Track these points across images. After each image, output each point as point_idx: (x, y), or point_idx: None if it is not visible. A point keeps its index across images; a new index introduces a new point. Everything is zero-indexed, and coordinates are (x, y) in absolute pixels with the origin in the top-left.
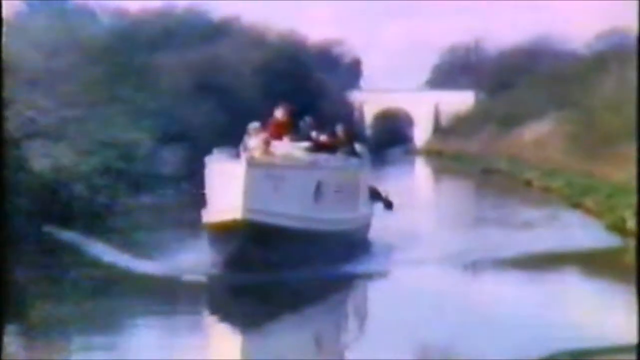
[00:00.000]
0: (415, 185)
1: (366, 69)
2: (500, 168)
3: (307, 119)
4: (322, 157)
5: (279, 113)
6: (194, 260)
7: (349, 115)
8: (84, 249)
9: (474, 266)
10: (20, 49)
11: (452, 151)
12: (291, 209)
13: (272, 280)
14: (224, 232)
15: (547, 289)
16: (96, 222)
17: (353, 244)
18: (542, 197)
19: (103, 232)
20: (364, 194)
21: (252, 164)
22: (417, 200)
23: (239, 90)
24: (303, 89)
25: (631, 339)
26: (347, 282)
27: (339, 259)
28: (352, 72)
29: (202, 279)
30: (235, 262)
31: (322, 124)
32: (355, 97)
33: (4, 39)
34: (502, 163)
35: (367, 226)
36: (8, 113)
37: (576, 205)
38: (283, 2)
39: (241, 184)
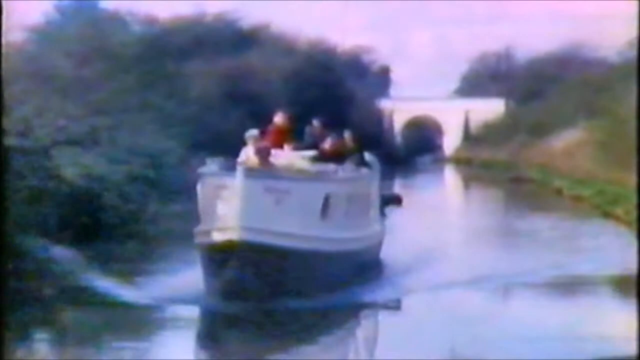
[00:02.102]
0: (443, 195)
1: (396, 77)
2: (530, 177)
3: (315, 123)
4: (330, 167)
5: (279, 118)
6: (186, 285)
7: (378, 124)
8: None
9: (504, 291)
10: (52, 58)
11: (481, 159)
12: (295, 227)
13: (272, 310)
14: (218, 254)
15: (580, 311)
16: (125, 230)
17: (364, 266)
18: (572, 206)
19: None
20: (375, 209)
21: (249, 175)
22: (443, 212)
23: (269, 98)
24: (333, 97)
25: None
26: (356, 312)
27: (348, 283)
28: (381, 80)
29: (193, 309)
30: (231, 289)
31: (331, 130)
32: (385, 105)
33: (35, 47)
34: (532, 171)
35: (379, 244)
36: (40, 122)
37: (606, 214)
38: (313, 10)
39: (237, 199)
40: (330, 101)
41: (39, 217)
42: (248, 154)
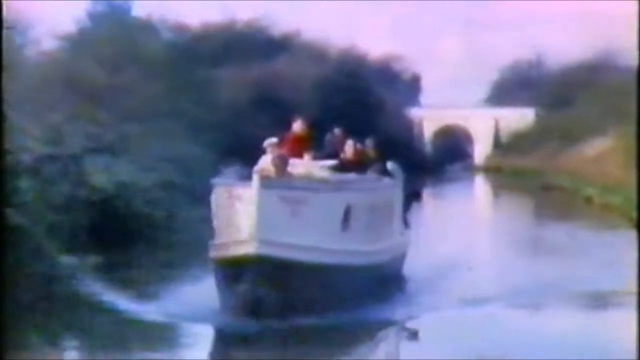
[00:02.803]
0: (472, 204)
1: (426, 85)
2: (560, 184)
3: (336, 131)
4: (350, 177)
5: (297, 126)
6: (203, 299)
7: (408, 132)
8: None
9: (535, 308)
10: (83, 65)
11: (511, 167)
12: (313, 240)
13: (289, 327)
14: (232, 269)
15: (611, 327)
16: (155, 237)
17: (386, 280)
18: (602, 215)
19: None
20: (398, 219)
21: (265, 185)
22: (472, 221)
23: (298, 105)
24: (362, 105)
25: None
26: (376, 330)
27: (369, 299)
28: (411, 88)
29: (207, 326)
30: (245, 306)
31: (354, 138)
32: (415, 113)
33: (67, 55)
34: (562, 179)
35: (402, 257)
36: (70, 128)
37: (633, 222)
38: (343, 17)
39: (253, 211)
40: (360, 109)
41: (70, 223)
42: (265, 163)
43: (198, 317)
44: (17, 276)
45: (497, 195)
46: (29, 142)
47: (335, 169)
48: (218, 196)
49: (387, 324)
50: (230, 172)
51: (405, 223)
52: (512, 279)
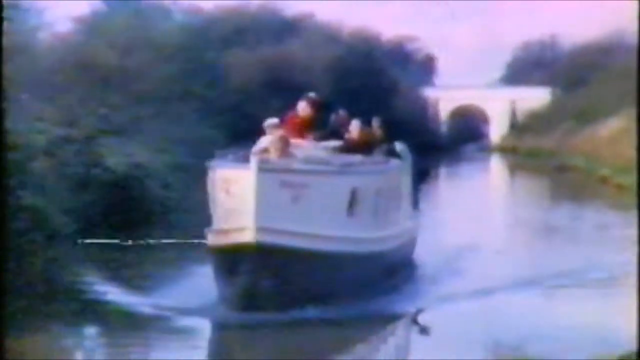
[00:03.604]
0: (487, 185)
1: (440, 66)
2: (575, 165)
3: (341, 112)
4: (356, 159)
5: (302, 105)
6: (198, 292)
7: (423, 113)
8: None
9: (548, 295)
10: (96, 48)
11: (527, 148)
12: (317, 227)
13: (290, 321)
14: (230, 258)
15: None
16: (168, 219)
17: (394, 268)
18: (616, 194)
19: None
20: (407, 203)
21: (264, 168)
22: (486, 202)
23: (311, 88)
24: (376, 86)
25: None
26: (385, 322)
27: (376, 289)
28: (426, 69)
29: (204, 320)
30: (245, 298)
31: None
32: (430, 93)
33: (81, 38)
34: (577, 159)
35: (411, 243)
36: (83, 111)
37: None
38: None
39: (251, 196)
40: (373, 90)
41: (83, 205)
42: (264, 144)
43: (199, 308)
44: (29, 260)
45: (513, 175)
46: (43, 124)
47: (339, 150)
48: (214, 180)
49: (396, 316)
50: (227, 154)
51: (416, 206)
52: (527, 263)
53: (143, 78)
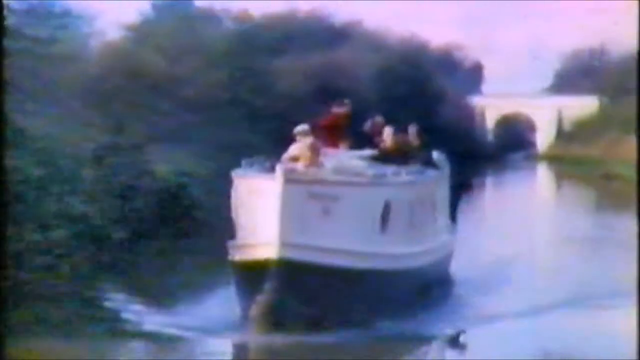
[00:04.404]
0: (534, 194)
1: (488, 74)
2: (620, 173)
3: (377, 118)
4: (390, 169)
5: (335, 112)
6: (222, 312)
7: (470, 120)
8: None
9: (595, 315)
10: (145, 55)
11: (573, 156)
12: (347, 242)
13: (318, 342)
14: (253, 275)
15: None
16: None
17: (430, 285)
18: None
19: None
20: (444, 215)
21: (291, 179)
22: (533, 213)
23: (358, 95)
24: (423, 94)
25: None
26: (420, 344)
27: (411, 308)
28: (473, 76)
29: (226, 340)
30: (268, 317)
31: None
32: (477, 102)
33: (130, 46)
34: (623, 168)
35: (448, 258)
36: (133, 117)
37: None
38: (404, 6)
39: (276, 208)
40: (421, 97)
41: (131, 213)
42: (294, 152)
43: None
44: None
45: (559, 184)
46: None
47: (373, 159)
48: (237, 190)
49: (431, 337)
50: (253, 162)
51: (453, 219)
52: (575, 278)
53: (191, 85)
